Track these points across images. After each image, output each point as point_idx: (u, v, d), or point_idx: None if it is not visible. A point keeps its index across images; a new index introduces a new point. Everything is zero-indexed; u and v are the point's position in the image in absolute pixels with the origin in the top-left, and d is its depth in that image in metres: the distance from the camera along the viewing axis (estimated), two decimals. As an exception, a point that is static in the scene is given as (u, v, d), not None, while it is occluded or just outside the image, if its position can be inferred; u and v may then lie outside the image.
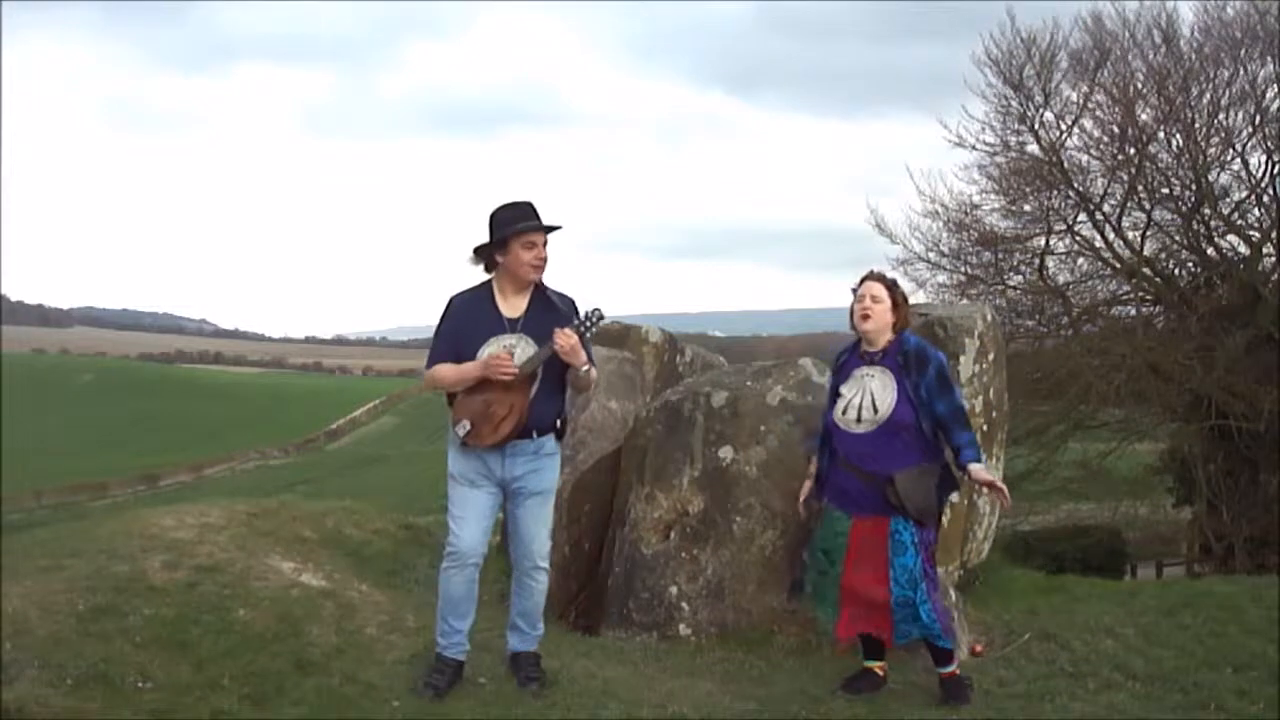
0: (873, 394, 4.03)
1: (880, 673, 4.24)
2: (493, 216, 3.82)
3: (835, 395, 4.16)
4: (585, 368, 3.77)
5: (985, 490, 4.11)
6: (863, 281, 4.17)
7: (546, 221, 3.82)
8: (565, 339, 3.67)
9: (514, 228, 3.77)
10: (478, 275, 3.93)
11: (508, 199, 3.85)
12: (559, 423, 3.92)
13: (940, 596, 4.13)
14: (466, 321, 3.85)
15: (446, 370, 3.83)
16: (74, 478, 50.59)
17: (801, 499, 4.38)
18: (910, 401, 3.98)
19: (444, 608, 3.89)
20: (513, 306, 3.85)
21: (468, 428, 3.77)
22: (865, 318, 4.08)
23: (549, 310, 3.84)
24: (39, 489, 45.11)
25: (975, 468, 3.97)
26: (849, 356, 4.20)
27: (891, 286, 4.14)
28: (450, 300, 3.93)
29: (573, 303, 3.93)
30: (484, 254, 3.86)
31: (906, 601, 3.96)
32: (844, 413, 4.09)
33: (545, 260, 3.84)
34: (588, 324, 3.80)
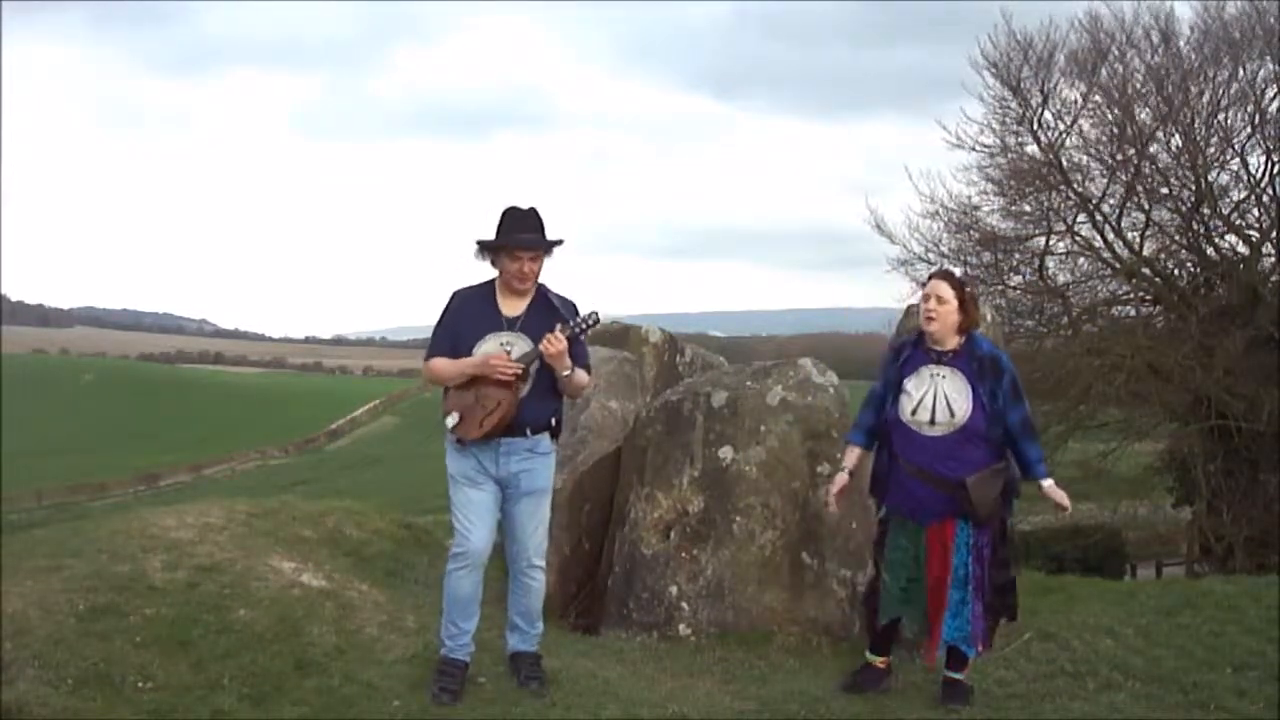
0: (947, 396, 3.85)
1: (883, 666, 4.22)
2: (500, 217, 3.81)
3: (899, 391, 3.93)
4: (566, 373, 3.77)
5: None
6: (929, 280, 3.97)
7: (550, 230, 3.80)
8: (552, 344, 3.68)
9: (502, 239, 3.77)
10: (477, 271, 3.93)
11: (513, 202, 3.82)
12: (554, 422, 3.93)
13: (979, 604, 4.02)
14: (466, 317, 3.86)
15: (443, 365, 3.84)
16: (74, 478, 50.53)
17: (835, 491, 4.12)
18: (984, 408, 3.84)
19: (451, 609, 3.88)
20: (512, 306, 3.86)
21: (456, 419, 3.80)
22: (930, 319, 3.89)
23: (549, 312, 3.84)
24: (39, 489, 45.07)
25: (1048, 484, 3.93)
26: (913, 351, 3.97)
27: (959, 285, 3.92)
28: (453, 294, 3.93)
29: (574, 307, 3.93)
30: (487, 251, 3.86)
31: (956, 600, 3.91)
32: (913, 412, 3.88)
33: (533, 274, 3.82)
34: (583, 325, 3.80)
